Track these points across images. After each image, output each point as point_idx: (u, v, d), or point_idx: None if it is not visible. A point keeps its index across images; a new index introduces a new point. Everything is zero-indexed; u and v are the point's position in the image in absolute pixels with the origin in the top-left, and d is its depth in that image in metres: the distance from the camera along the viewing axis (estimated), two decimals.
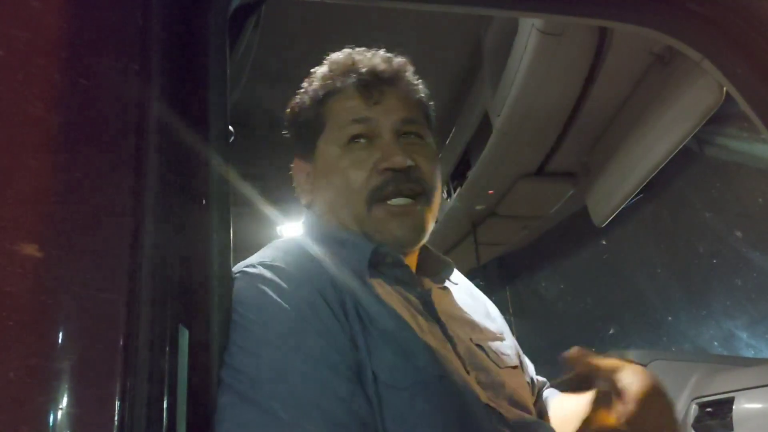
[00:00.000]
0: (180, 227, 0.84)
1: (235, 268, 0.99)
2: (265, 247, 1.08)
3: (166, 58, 0.90)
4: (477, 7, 1.39)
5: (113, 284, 0.74)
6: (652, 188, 2.28)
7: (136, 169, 0.80)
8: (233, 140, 0.98)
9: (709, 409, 1.80)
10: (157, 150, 0.83)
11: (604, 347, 3.47)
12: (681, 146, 1.70)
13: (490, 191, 2.60)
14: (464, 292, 1.25)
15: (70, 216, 0.75)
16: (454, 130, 2.64)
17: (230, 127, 0.99)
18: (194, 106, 0.93)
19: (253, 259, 1.02)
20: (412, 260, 1.15)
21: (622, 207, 2.15)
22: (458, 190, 2.72)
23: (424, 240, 1.12)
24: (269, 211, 2.84)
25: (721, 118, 1.67)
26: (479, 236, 3.14)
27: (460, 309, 1.17)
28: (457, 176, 2.72)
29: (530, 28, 1.63)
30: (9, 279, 0.70)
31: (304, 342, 0.90)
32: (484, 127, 2.25)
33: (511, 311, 4.06)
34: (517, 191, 2.56)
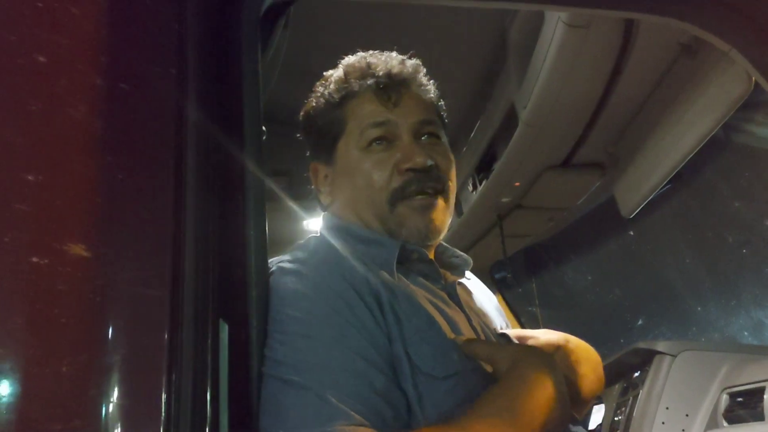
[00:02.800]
0: (219, 225, 0.87)
1: (270, 263, 1.02)
2: (296, 245, 1.12)
3: (202, 61, 0.92)
4: (503, 1, 1.40)
5: (158, 281, 0.77)
6: (680, 178, 2.27)
7: (176, 169, 0.83)
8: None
9: (739, 399, 1.80)
10: (196, 150, 0.86)
11: (632, 338, 3.45)
12: (710, 137, 1.70)
13: (516, 183, 2.60)
14: (476, 287, 1.29)
15: (115, 216, 0.78)
16: (479, 122, 2.63)
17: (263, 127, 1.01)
18: (229, 107, 0.96)
19: (286, 256, 1.05)
20: (431, 255, 1.18)
21: (650, 198, 2.14)
22: (484, 183, 2.72)
23: (444, 233, 1.16)
24: (296, 206, 2.87)
25: (750, 105, 1.66)
26: (505, 228, 3.13)
27: (478, 302, 1.21)
28: (482, 169, 2.71)
29: (556, 20, 1.64)
30: (59, 278, 0.73)
31: (341, 336, 0.93)
32: (510, 119, 2.25)
33: (537, 302, 4.05)
34: (543, 183, 2.55)
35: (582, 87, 1.86)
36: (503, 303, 3.92)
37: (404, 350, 0.96)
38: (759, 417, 1.68)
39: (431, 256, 1.18)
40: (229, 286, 0.85)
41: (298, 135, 1.25)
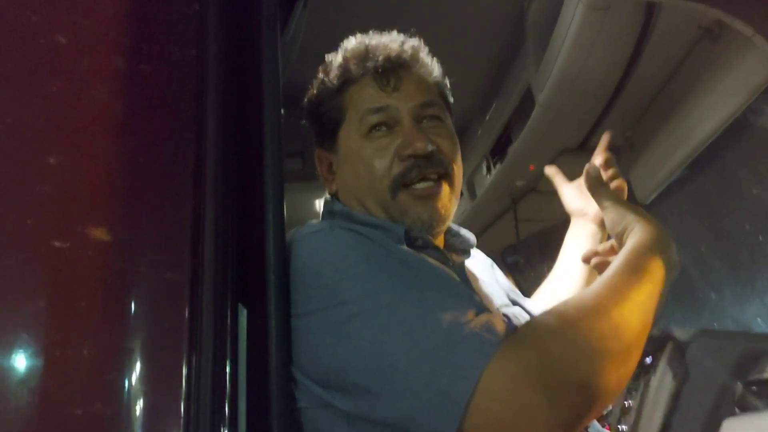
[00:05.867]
0: (238, 209, 0.86)
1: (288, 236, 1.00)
2: (303, 226, 1.10)
3: (222, 42, 0.92)
4: None
5: (178, 265, 0.77)
6: (697, 163, 2.24)
7: (196, 152, 0.83)
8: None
9: (754, 388, 1.79)
10: (215, 133, 0.85)
11: None
12: (729, 122, 1.67)
13: (531, 167, 2.58)
14: (480, 263, 1.28)
15: (135, 200, 0.78)
16: (494, 105, 2.61)
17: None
18: (249, 88, 0.95)
19: (295, 233, 1.03)
20: (439, 240, 1.17)
21: (666, 183, 2.12)
22: (498, 166, 2.70)
23: (449, 220, 1.14)
24: (309, 186, 2.86)
25: None
26: (519, 212, 3.11)
27: (483, 281, 1.20)
28: (496, 152, 2.69)
29: (576, 1, 1.61)
30: (80, 262, 0.73)
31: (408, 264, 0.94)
32: (526, 102, 2.23)
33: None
34: (558, 167, 2.52)
35: (601, 70, 1.84)
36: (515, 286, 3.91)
37: None
38: None
39: (440, 239, 1.17)
40: (248, 271, 0.85)
41: (303, 122, 1.24)
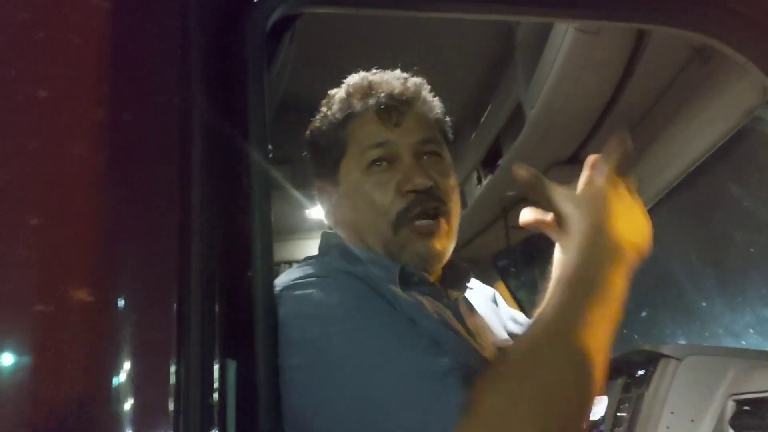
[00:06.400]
0: (224, 262, 0.84)
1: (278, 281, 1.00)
2: (295, 268, 1.10)
3: (207, 88, 0.90)
4: (510, 14, 1.36)
5: (162, 324, 0.76)
6: (689, 174, 2.24)
7: (181, 207, 0.81)
8: None
9: (746, 408, 1.79)
10: (201, 185, 0.84)
11: (635, 328, 3.45)
12: (719, 144, 1.67)
13: None
14: (479, 295, 1.28)
15: (119, 258, 0.76)
16: (485, 116, 2.61)
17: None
18: (236, 131, 0.93)
19: (285, 278, 1.02)
20: (436, 274, 1.16)
21: (655, 201, 2.12)
22: (489, 177, 2.70)
23: (446, 259, 1.14)
24: (299, 194, 2.85)
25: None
26: (510, 220, 3.12)
27: (480, 315, 1.20)
28: (487, 163, 2.69)
29: (566, 26, 1.60)
30: (63, 324, 0.71)
31: (387, 317, 0.95)
32: (517, 116, 2.23)
33: (540, 291, 4.03)
34: (549, 178, 2.52)
35: (591, 89, 1.83)
36: (506, 291, 3.92)
37: None
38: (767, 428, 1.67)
39: (438, 273, 1.17)
40: (235, 325, 0.83)
41: (305, 154, 1.24)
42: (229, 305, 0.83)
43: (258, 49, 0.99)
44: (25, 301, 0.70)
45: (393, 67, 1.21)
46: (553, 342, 0.84)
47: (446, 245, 1.13)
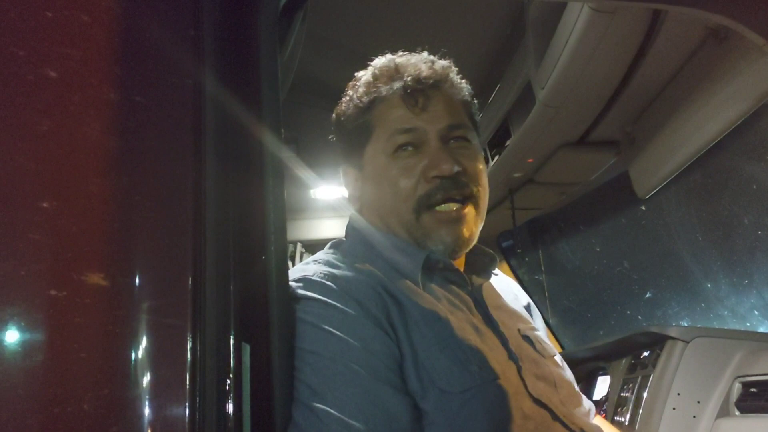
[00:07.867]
0: (238, 246, 0.84)
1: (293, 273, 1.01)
2: (309, 260, 1.09)
3: (219, 69, 0.89)
4: None
5: (178, 310, 0.75)
6: (698, 156, 2.22)
7: (194, 188, 0.80)
8: None
9: (753, 389, 1.79)
10: (215, 167, 0.83)
11: (639, 310, 3.45)
12: (734, 126, 1.65)
13: (530, 160, 2.56)
14: (503, 283, 1.27)
15: (133, 241, 0.76)
16: (493, 96, 2.58)
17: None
18: (248, 113, 0.92)
19: (298, 272, 1.02)
20: (461, 260, 1.16)
21: (666, 180, 2.10)
22: (496, 158, 2.68)
23: (473, 243, 1.13)
24: (304, 174, 2.84)
25: None
26: (516, 201, 3.10)
27: (505, 301, 1.19)
28: (495, 144, 2.67)
29: (581, 4, 1.57)
30: (77, 310, 0.70)
31: (351, 359, 0.93)
32: (526, 96, 2.20)
33: (543, 271, 4.05)
34: (556, 160, 2.51)
35: (604, 70, 1.80)
36: (509, 271, 3.92)
37: (419, 364, 0.96)
38: None
39: (462, 260, 1.16)
40: (249, 310, 0.83)
41: (331, 137, 1.23)
42: (244, 287, 0.83)
43: (270, 30, 0.97)
44: (42, 285, 0.70)
45: (402, 47, 1.20)
46: None
47: (473, 230, 1.12)
